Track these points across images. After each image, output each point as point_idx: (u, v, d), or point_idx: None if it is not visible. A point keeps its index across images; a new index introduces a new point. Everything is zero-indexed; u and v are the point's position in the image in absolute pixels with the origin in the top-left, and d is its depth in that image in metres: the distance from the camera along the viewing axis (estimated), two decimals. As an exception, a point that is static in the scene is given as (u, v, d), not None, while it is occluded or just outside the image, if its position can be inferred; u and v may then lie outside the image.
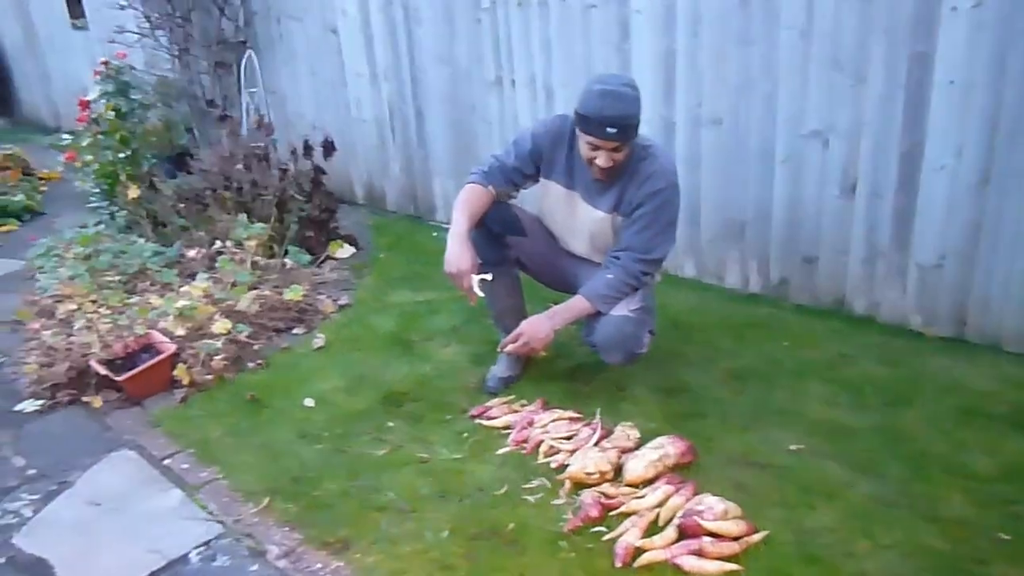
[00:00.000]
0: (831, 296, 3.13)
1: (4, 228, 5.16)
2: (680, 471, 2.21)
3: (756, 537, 1.94)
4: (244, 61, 4.79)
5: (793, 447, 2.32)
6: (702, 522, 1.93)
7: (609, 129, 2.28)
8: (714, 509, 1.96)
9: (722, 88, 3.14)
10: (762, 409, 2.53)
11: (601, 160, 2.36)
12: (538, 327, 2.48)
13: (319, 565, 2.01)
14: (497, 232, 2.63)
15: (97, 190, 4.39)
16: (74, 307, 3.38)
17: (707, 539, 1.91)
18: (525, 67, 3.78)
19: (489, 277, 2.50)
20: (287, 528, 2.16)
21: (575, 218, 2.60)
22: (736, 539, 1.92)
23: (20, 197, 5.41)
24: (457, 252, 2.44)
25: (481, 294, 2.46)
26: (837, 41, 2.79)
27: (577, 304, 2.49)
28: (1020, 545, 1.91)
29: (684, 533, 1.95)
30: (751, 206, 3.23)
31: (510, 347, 2.50)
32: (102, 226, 4.17)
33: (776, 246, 3.21)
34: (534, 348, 2.48)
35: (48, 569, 2.09)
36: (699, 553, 1.88)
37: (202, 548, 2.11)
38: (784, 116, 3.01)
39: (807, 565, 1.88)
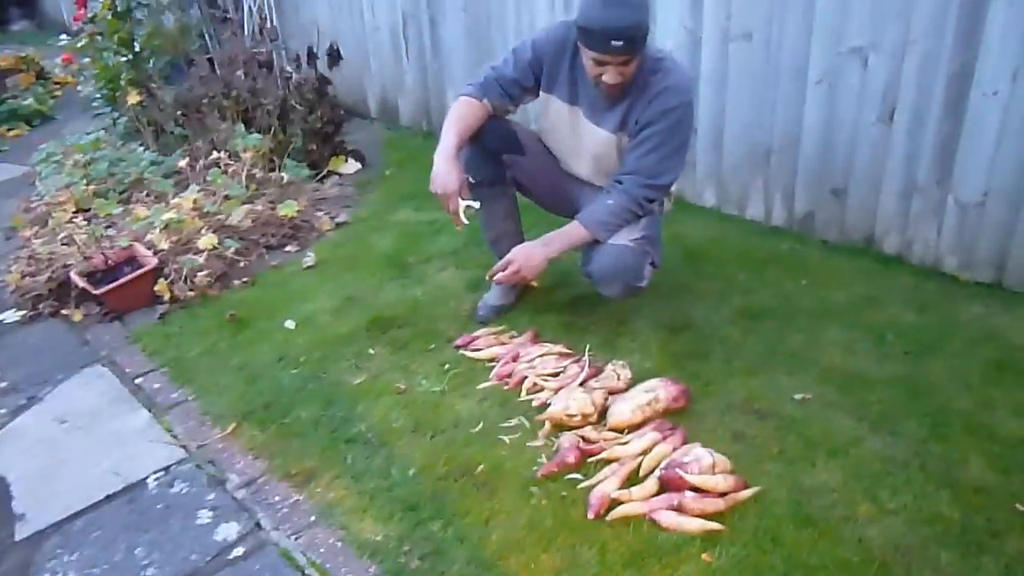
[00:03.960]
0: (860, 233, 2.87)
1: (13, 132, 5.07)
2: (672, 417, 2.04)
3: (745, 494, 1.77)
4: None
5: (800, 396, 2.13)
6: (685, 475, 1.76)
7: (615, 42, 2.02)
8: (701, 461, 1.79)
9: (755, -3, 2.83)
10: (772, 352, 2.33)
11: (608, 76, 2.10)
12: (531, 254, 2.29)
13: (278, 498, 1.91)
14: (493, 149, 2.42)
15: (99, 95, 4.23)
16: (66, 216, 3.27)
17: (690, 494, 1.74)
18: (544, -28, 3.48)
19: (476, 205, 2.30)
20: (251, 456, 2.05)
21: (577, 137, 2.37)
22: (723, 495, 1.76)
23: (30, 101, 5.31)
24: (444, 171, 2.24)
25: (467, 220, 2.27)
26: (887, -57, 2.47)
27: (574, 231, 2.28)
28: (1041, 518, 1.72)
29: (666, 486, 1.79)
30: (779, 131, 2.95)
31: (499, 275, 2.32)
32: (103, 132, 4.02)
33: (804, 176, 2.95)
34: (525, 277, 2.30)
35: (4, 485, 2.02)
36: (679, 509, 1.72)
37: (161, 473, 2.02)
38: (822, 31, 2.70)
39: (800, 528, 1.71)
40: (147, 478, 2.01)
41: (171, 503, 1.92)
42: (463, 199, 2.25)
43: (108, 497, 1.95)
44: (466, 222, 2.26)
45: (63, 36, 4.32)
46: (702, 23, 3.00)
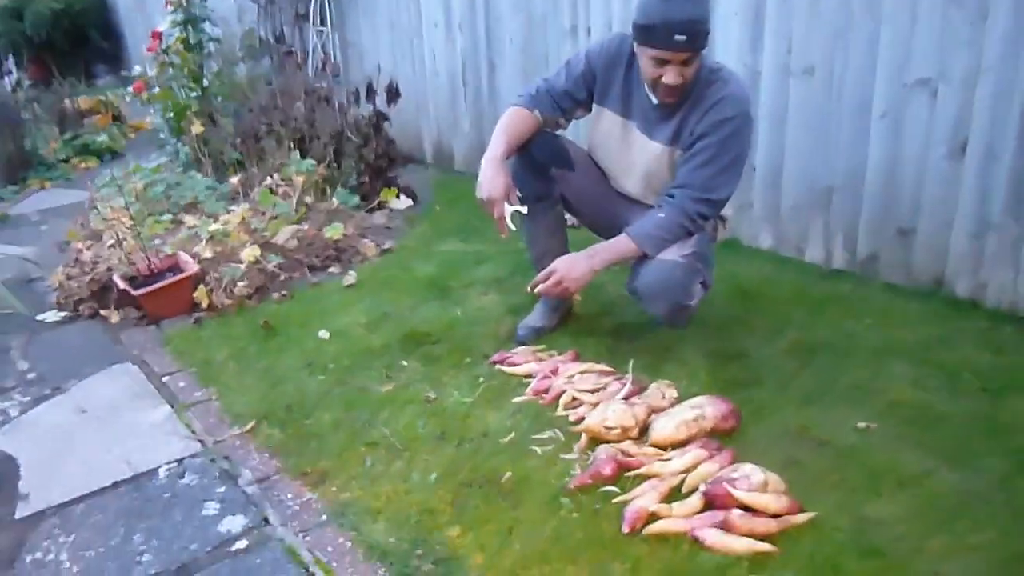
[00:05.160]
0: (928, 275, 2.69)
1: (85, 164, 5.25)
2: (719, 437, 1.87)
3: (801, 518, 1.59)
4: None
5: (863, 424, 1.94)
6: (734, 491, 1.59)
7: (678, 36, 1.94)
8: (751, 478, 1.62)
9: (817, 31, 2.75)
10: (831, 384, 2.15)
11: (670, 77, 2.02)
12: (574, 265, 2.17)
13: (290, 495, 1.79)
14: (542, 162, 2.34)
15: (165, 126, 4.36)
16: (118, 227, 3.30)
17: (737, 511, 1.57)
18: (602, 14, 3.48)
19: (524, 209, 2.22)
20: (267, 454, 1.95)
21: (629, 152, 2.29)
22: (775, 516, 1.58)
23: (103, 138, 5.50)
24: (490, 176, 2.17)
25: (513, 227, 2.18)
26: (959, -31, 2.38)
27: (621, 244, 2.17)
28: None
29: (711, 503, 1.61)
30: (841, 170, 2.82)
31: (540, 286, 2.20)
32: (164, 159, 4.12)
33: (867, 216, 2.80)
34: (567, 288, 2.18)
35: (14, 467, 1.95)
36: (725, 527, 1.54)
37: (173, 464, 1.92)
38: (886, 62, 2.60)
39: (863, 558, 1.52)
40: (158, 468, 1.92)
41: (178, 493, 1.82)
42: (510, 204, 2.16)
43: (115, 484, 1.87)
44: (512, 228, 2.17)
45: (136, 67, 4.48)
46: (762, 58, 2.94)
